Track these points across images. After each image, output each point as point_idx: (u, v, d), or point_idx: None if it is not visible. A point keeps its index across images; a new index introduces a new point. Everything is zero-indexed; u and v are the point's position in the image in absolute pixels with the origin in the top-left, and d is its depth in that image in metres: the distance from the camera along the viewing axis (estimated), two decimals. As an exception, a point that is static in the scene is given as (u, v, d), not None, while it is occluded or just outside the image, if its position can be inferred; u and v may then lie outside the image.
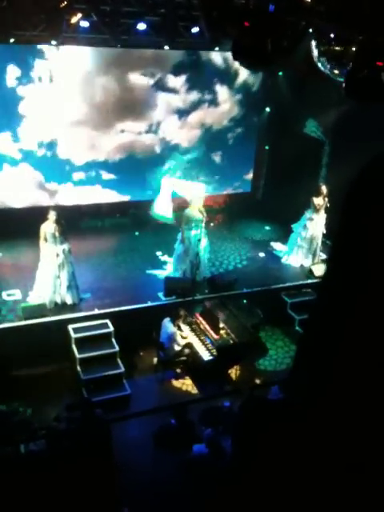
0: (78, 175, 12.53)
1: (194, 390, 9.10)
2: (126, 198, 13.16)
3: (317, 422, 0.79)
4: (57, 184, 12.37)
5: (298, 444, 0.81)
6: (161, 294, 10.14)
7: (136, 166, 12.87)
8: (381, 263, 0.74)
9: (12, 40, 9.60)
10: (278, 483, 0.82)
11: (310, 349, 0.86)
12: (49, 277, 9.37)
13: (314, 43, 8.49)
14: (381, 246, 0.74)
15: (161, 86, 12.50)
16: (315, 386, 0.81)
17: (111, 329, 9.29)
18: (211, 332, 9.14)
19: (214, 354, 8.89)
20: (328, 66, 8.34)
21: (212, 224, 11.71)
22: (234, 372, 9.24)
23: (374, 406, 0.74)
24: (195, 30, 10.46)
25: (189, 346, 9.20)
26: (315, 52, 8.48)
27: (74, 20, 9.27)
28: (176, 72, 12.48)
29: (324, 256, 11.79)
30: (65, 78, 11.45)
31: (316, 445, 0.79)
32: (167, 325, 9.07)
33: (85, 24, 9.59)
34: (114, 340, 9.27)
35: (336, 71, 8.25)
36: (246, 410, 1.04)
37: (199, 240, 10.52)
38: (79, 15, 9.26)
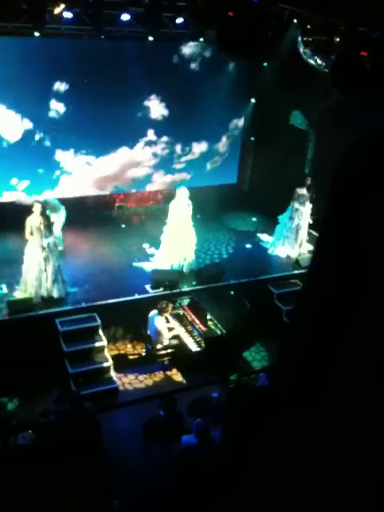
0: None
1: (183, 382, 9.12)
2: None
3: (316, 421, 0.76)
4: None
5: (298, 440, 0.78)
6: (148, 287, 10.14)
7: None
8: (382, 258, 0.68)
9: (-6, 31, 9.48)
10: (280, 484, 0.79)
11: (298, 344, 0.83)
12: (35, 271, 9.29)
13: (299, 33, 8.48)
14: (382, 239, 0.66)
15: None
16: (311, 383, 0.78)
17: (99, 322, 9.27)
18: (199, 323, 9.16)
19: (202, 345, 8.91)
20: (313, 57, 8.34)
21: (198, 216, 11.67)
22: (221, 363, 9.26)
23: (376, 405, 0.71)
24: (179, 20, 10.39)
25: (176, 337, 9.22)
26: (300, 42, 8.47)
27: (57, 11, 9.13)
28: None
29: (310, 247, 11.84)
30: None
31: (316, 444, 0.76)
32: (155, 317, 9.07)
33: (68, 15, 9.47)
34: (101, 333, 9.25)
35: (321, 62, 8.25)
36: (237, 400, 1.02)
37: (186, 232, 10.51)
38: (62, 6, 9.13)
